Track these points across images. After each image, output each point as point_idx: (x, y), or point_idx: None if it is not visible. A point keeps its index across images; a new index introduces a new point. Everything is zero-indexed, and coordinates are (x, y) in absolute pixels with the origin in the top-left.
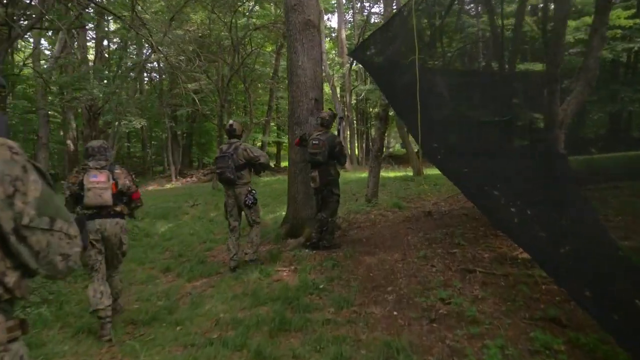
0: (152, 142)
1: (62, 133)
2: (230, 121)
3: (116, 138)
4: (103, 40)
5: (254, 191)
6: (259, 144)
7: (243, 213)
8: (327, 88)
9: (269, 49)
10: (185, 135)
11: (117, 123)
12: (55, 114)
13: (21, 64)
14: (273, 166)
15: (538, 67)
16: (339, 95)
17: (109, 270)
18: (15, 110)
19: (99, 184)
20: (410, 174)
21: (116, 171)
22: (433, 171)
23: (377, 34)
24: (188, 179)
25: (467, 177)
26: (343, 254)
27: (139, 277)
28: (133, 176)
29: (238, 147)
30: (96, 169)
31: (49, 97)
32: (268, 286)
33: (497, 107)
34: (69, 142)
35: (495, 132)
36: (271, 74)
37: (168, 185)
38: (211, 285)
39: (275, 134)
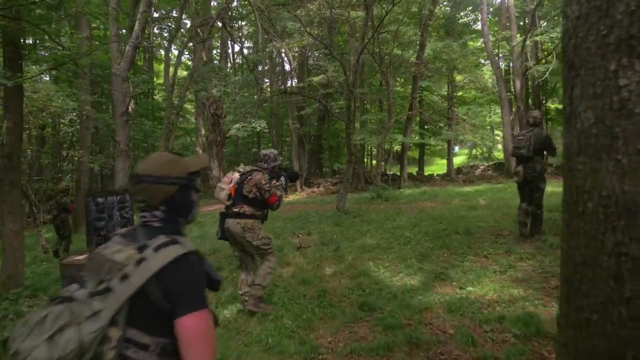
0: (283, 147)
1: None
2: None
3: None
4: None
5: None
6: (398, 147)
7: None
8: (487, 72)
9: (409, 32)
10: (312, 138)
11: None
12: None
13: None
14: (416, 174)
15: None
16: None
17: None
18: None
19: (222, 183)
20: None
21: (249, 177)
22: None
23: None
24: (314, 189)
25: None
26: None
27: None
28: (263, 183)
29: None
30: (238, 171)
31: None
32: None
33: None
34: (198, 149)
35: None
36: (414, 58)
37: (292, 197)
38: None
39: (419, 135)
